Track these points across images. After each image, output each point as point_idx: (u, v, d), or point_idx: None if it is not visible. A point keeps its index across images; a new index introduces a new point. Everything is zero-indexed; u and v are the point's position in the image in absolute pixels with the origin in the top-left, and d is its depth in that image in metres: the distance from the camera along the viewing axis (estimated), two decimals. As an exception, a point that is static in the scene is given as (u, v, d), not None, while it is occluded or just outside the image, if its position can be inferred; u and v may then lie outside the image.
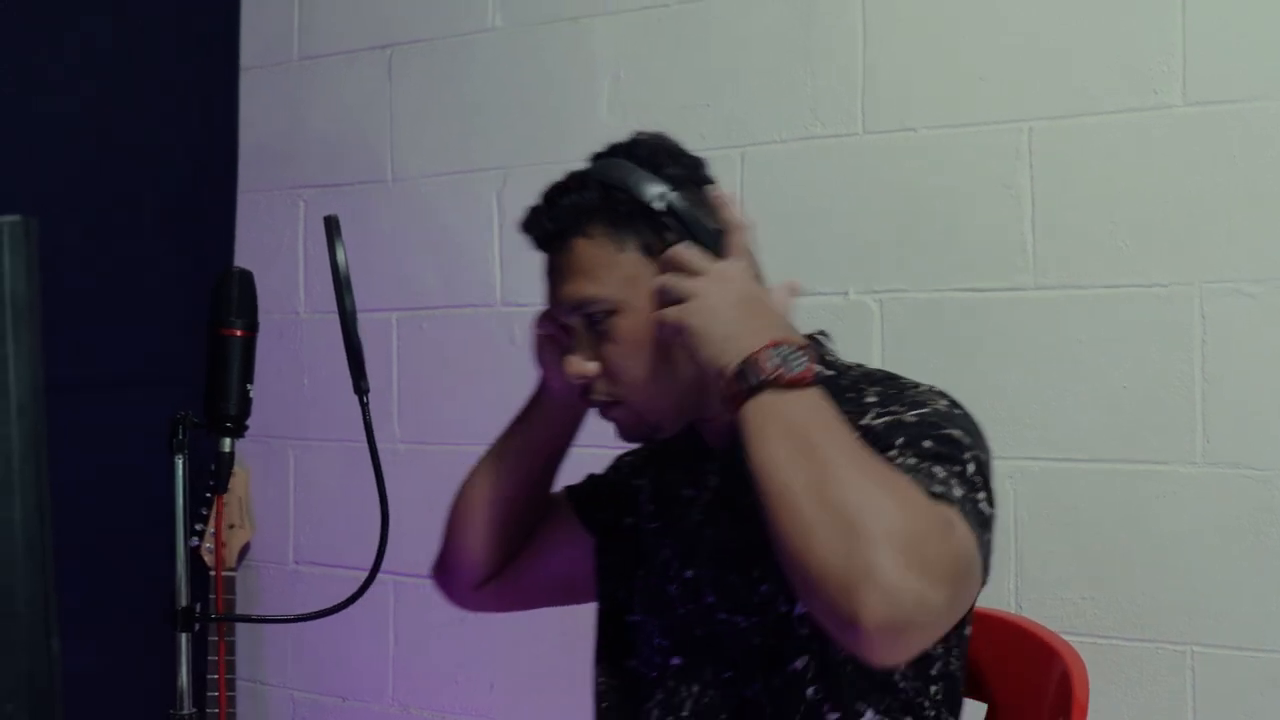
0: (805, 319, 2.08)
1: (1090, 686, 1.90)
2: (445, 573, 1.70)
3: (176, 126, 2.78)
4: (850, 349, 2.12)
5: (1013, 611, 1.99)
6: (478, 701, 2.56)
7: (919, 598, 1.14)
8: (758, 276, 1.43)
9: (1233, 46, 1.89)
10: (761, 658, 1.43)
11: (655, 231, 1.41)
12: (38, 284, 0.85)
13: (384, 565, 2.68)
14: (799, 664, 1.41)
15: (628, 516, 1.62)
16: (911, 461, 1.29)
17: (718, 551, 1.48)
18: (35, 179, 2.51)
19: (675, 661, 1.51)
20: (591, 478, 1.71)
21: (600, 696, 1.59)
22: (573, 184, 1.46)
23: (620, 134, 2.34)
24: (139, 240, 2.68)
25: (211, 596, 2.46)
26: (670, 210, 1.40)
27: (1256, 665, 1.86)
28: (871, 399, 1.41)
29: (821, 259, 2.17)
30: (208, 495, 2.55)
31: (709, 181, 1.47)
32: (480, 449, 2.57)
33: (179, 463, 1.44)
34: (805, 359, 1.28)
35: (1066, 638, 1.89)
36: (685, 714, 1.48)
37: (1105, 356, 1.97)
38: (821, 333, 1.54)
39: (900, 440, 1.32)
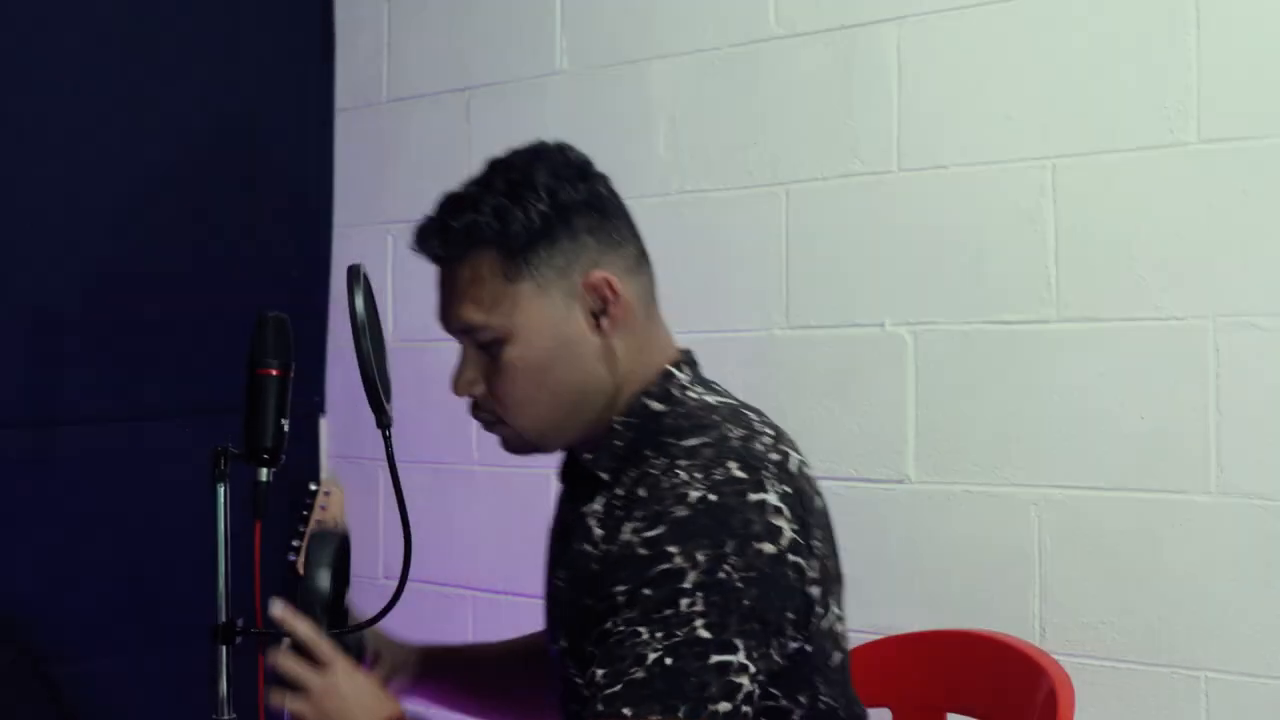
0: (844, 349, 2.19)
1: (1106, 710, 1.96)
2: None
3: (278, 165, 2.95)
4: (886, 378, 2.22)
5: (1036, 634, 2.04)
6: (546, 712, 2.67)
7: None
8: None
9: (1245, 87, 1.93)
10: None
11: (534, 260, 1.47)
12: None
13: (463, 581, 2.83)
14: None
15: None
16: (621, 629, 1.32)
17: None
18: (140, 216, 2.69)
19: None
20: None
21: None
22: (467, 204, 1.50)
23: (676, 170, 2.47)
24: (242, 273, 2.85)
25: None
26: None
27: (1268, 691, 1.88)
28: (660, 466, 1.42)
29: (859, 291, 2.25)
30: (304, 513, 2.71)
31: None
32: (548, 471, 2.69)
33: (221, 491, 1.58)
34: None
35: (1086, 662, 1.95)
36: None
37: (1124, 387, 2.01)
38: (687, 352, 1.59)
39: (622, 590, 1.35)
